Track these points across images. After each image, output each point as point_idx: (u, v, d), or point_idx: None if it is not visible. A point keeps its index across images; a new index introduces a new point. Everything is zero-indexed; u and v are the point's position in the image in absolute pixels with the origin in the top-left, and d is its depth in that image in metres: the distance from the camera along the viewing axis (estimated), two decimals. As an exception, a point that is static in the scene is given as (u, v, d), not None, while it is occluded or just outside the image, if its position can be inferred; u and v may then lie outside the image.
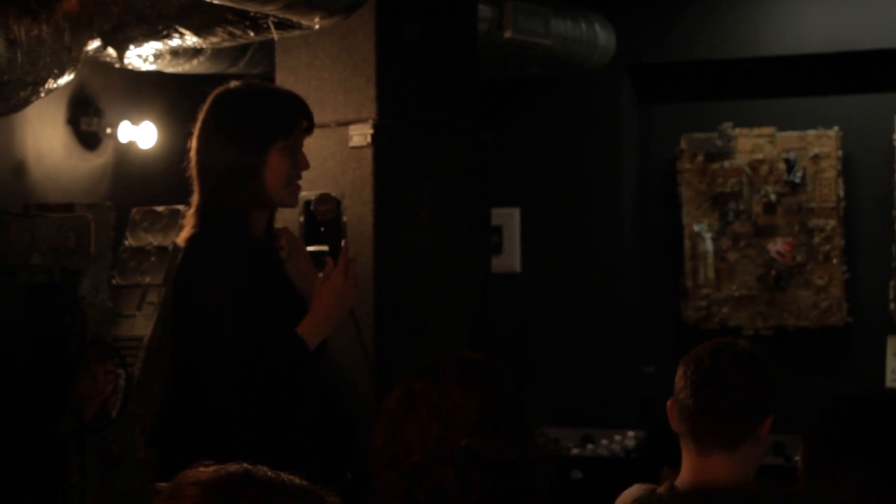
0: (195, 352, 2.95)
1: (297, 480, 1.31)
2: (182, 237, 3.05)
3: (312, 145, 3.18)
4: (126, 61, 4.23)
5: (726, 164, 6.10)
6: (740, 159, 6.09)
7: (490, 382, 2.03)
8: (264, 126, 3.03)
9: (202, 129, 3.07)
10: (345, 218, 4.14)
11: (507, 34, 5.22)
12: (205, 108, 3.10)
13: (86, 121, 4.68)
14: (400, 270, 4.25)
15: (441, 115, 4.52)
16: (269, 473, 1.30)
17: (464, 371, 2.03)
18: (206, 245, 2.98)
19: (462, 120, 4.61)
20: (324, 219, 3.14)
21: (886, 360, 5.83)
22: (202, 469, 1.31)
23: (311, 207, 3.13)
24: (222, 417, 2.93)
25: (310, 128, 3.12)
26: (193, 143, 3.09)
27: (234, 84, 3.16)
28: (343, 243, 3.09)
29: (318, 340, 2.98)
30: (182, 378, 3.01)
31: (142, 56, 4.29)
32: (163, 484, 1.34)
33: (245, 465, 1.31)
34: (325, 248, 3.22)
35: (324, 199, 3.17)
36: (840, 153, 5.96)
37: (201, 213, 3.03)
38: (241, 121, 3.05)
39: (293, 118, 3.05)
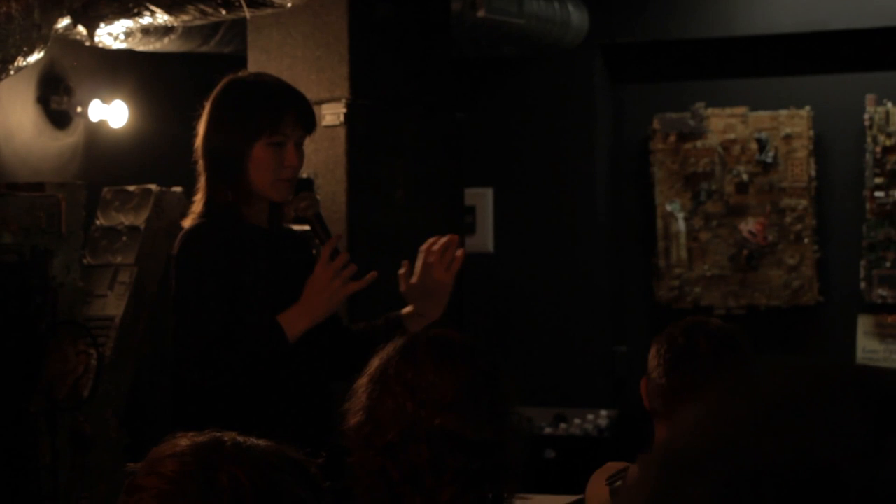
0: (172, 334, 2.99)
1: (263, 442, 1.33)
2: (185, 222, 3.06)
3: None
4: (97, 39, 4.19)
5: (699, 143, 6.11)
6: (712, 139, 6.10)
7: (465, 361, 2.03)
8: (249, 118, 3.03)
9: (204, 114, 3.07)
10: (318, 196, 4.12)
11: (481, 13, 5.21)
12: (212, 93, 3.10)
13: (56, 99, 4.64)
14: (373, 249, 4.24)
15: (414, 94, 4.50)
16: (238, 437, 1.31)
17: (439, 349, 2.03)
18: (197, 234, 2.99)
19: (435, 99, 4.60)
20: (305, 215, 3.12)
21: (857, 338, 5.87)
22: (174, 442, 1.32)
23: (293, 208, 3.12)
24: (187, 397, 2.97)
25: (306, 125, 3.09)
26: (199, 128, 3.09)
27: (242, 73, 3.18)
28: (332, 239, 3.08)
29: (298, 330, 2.97)
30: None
31: (112, 34, 4.25)
32: (134, 465, 1.34)
33: (213, 433, 1.32)
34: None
35: (300, 196, 3.15)
36: (812, 133, 5.98)
37: (203, 199, 3.03)
38: (230, 111, 3.06)
39: (279, 113, 3.03)
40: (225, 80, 3.13)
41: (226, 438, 1.31)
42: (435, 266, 3.21)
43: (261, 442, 1.33)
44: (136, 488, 1.29)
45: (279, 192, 3.05)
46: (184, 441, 1.31)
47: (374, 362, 2.06)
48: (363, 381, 2.04)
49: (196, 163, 3.08)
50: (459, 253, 3.23)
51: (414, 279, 3.21)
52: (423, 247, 3.25)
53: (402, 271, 3.24)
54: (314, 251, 3.16)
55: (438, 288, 3.20)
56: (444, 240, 3.24)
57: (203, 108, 3.08)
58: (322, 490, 1.32)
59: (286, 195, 3.08)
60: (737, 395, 0.62)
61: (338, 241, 3.10)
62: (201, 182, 3.06)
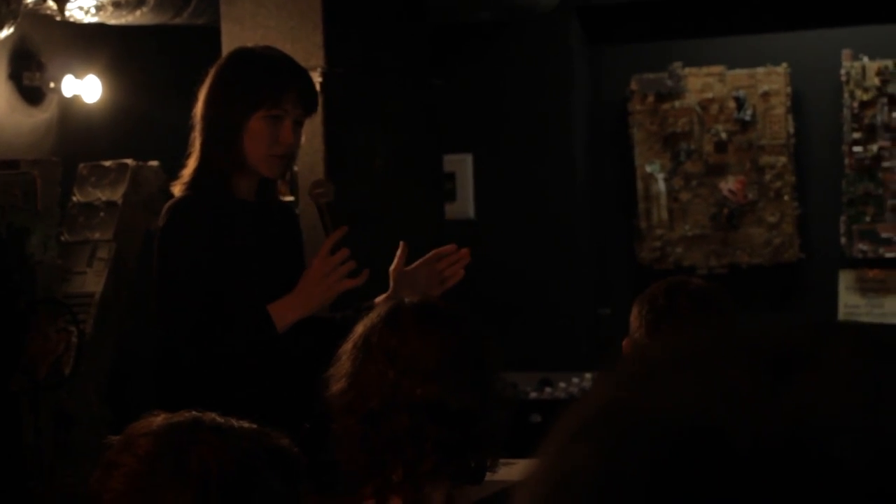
0: (157, 310, 2.98)
1: (245, 424, 1.32)
2: (174, 188, 3.04)
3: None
4: (67, 13, 4.15)
5: (677, 103, 6.10)
6: (690, 99, 6.09)
7: (449, 329, 2.02)
8: (251, 88, 3.01)
9: (207, 80, 3.05)
10: (296, 168, 4.10)
11: (455, -22, 5.17)
12: (218, 61, 3.08)
13: (28, 75, 4.59)
14: (353, 219, 4.21)
15: (391, 61, 4.47)
16: (218, 419, 1.30)
17: (423, 317, 2.02)
18: (182, 208, 2.96)
19: (412, 66, 4.57)
20: (318, 202, 3.11)
21: (839, 294, 5.88)
22: (151, 419, 1.31)
23: (308, 192, 3.11)
24: (170, 374, 2.96)
25: (306, 105, 3.06)
26: (199, 93, 3.07)
27: (249, 46, 3.17)
28: (336, 232, 3.06)
29: (288, 321, 2.94)
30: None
31: (83, 8, 4.21)
32: (115, 437, 1.33)
33: (193, 412, 1.31)
34: None
35: (318, 182, 3.15)
36: (789, 90, 5.97)
37: (195, 166, 3.00)
38: (233, 78, 3.05)
39: (281, 87, 3.01)
40: (233, 50, 3.13)
41: (205, 420, 1.30)
42: (435, 269, 3.22)
43: (243, 425, 1.31)
44: (110, 464, 1.29)
45: (270, 167, 3.03)
46: (160, 420, 1.30)
47: (359, 329, 2.04)
48: (347, 347, 2.03)
49: (193, 128, 3.06)
50: (461, 272, 3.25)
51: (410, 267, 3.21)
52: (442, 249, 3.26)
53: (399, 252, 3.23)
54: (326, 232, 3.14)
55: (426, 288, 3.21)
56: (461, 251, 3.24)
57: (206, 74, 3.06)
58: (299, 480, 1.31)
59: (277, 172, 3.06)
60: (627, 364, 0.61)
61: (342, 234, 3.08)
62: (195, 147, 3.04)
